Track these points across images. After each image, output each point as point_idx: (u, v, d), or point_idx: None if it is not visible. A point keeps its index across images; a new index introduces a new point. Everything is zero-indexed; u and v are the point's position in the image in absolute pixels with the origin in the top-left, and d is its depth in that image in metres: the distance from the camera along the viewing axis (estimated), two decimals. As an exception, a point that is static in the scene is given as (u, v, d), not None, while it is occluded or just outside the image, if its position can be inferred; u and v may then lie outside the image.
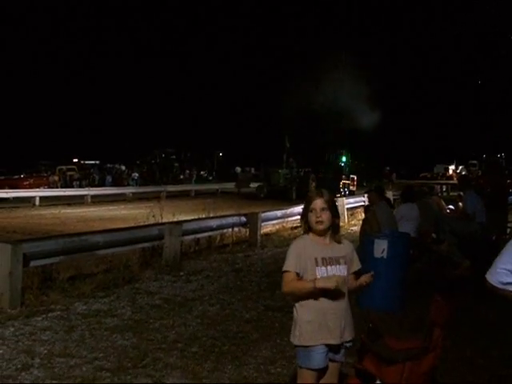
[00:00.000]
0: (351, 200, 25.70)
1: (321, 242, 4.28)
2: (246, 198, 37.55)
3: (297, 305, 4.25)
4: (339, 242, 4.35)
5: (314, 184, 38.47)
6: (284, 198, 35.01)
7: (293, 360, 6.29)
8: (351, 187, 41.71)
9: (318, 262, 4.18)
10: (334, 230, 4.33)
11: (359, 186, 44.05)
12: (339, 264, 4.24)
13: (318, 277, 4.15)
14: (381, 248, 8.80)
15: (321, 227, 4.26)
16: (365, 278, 4.31)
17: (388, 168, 68.32)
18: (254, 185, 42.74)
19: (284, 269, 4.21)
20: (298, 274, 4.18)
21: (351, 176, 43.23)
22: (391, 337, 4.64)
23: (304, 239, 4.31)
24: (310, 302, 4.18)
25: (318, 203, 4.26)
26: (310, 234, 4.31)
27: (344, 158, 45.27)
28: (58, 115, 64.07)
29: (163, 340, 7.20)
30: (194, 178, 57.57)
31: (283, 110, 46.73)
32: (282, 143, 42.05)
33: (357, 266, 4.41)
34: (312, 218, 4.26)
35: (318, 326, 4.15)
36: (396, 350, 4.37)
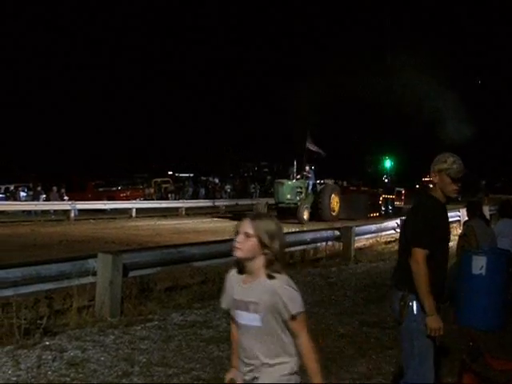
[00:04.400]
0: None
1: None
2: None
3: None
4: None
5: (336, 200, 30.25)
6: (291, 220, 26.15)
7: (389, 376, 6.24)
8: (397, 203, 33.64)
9: None
10: None
11: (454, 200, 41.89)
12: None
13: None
14: (479, 264, 8.56)
15: None
16: None
17: (484, 181, 66.53)
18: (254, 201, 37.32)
19: None
20: None
21: (397, 189, 34.64)
22: (492, 357, 4.53)
23: None
24: None
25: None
26: None
27: (388, 164, 36.77)
28: (154, 129, 65.77)
29: (258, 352, 7.21)
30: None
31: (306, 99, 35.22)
32: (298, 145, 32.03)
33: None
34: None
35: None
36: (499, 371, 4.27)
